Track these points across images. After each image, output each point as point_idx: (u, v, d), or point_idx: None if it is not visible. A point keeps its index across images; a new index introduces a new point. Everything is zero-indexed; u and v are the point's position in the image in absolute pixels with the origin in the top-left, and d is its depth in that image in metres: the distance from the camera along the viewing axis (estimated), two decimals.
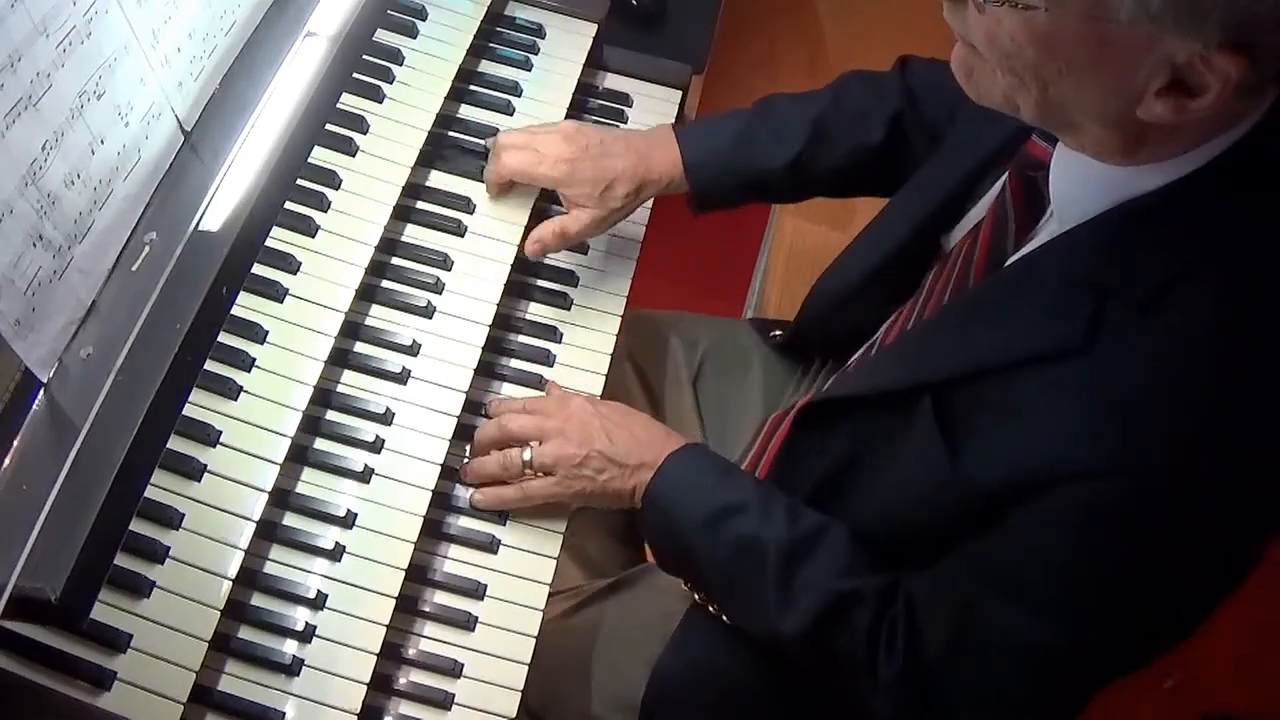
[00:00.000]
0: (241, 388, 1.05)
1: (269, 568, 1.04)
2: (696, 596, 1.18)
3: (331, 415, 1.12)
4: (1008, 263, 1.00)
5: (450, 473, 1.14)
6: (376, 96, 1.25)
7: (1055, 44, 0.79)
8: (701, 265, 2.28)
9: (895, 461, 1.00)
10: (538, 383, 1.24)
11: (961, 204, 1.12)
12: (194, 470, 1.00)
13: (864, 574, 1.04)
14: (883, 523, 1.04)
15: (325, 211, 1.16)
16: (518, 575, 1.12)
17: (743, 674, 1.16)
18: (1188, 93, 0.77)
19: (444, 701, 1.05)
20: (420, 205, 1.26)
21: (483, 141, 1.29)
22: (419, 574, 1.10)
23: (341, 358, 1.14)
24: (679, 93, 1.49)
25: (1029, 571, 0.90)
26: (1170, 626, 0.92)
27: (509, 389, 1.24)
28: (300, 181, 1.16)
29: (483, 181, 1.27)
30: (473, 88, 1.36)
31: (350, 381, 1.14)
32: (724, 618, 1.16)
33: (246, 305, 1.09)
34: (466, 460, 1.17)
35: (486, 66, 1.38)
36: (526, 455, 1.13)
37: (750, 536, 1.07)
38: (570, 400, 1.18)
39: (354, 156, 1.20)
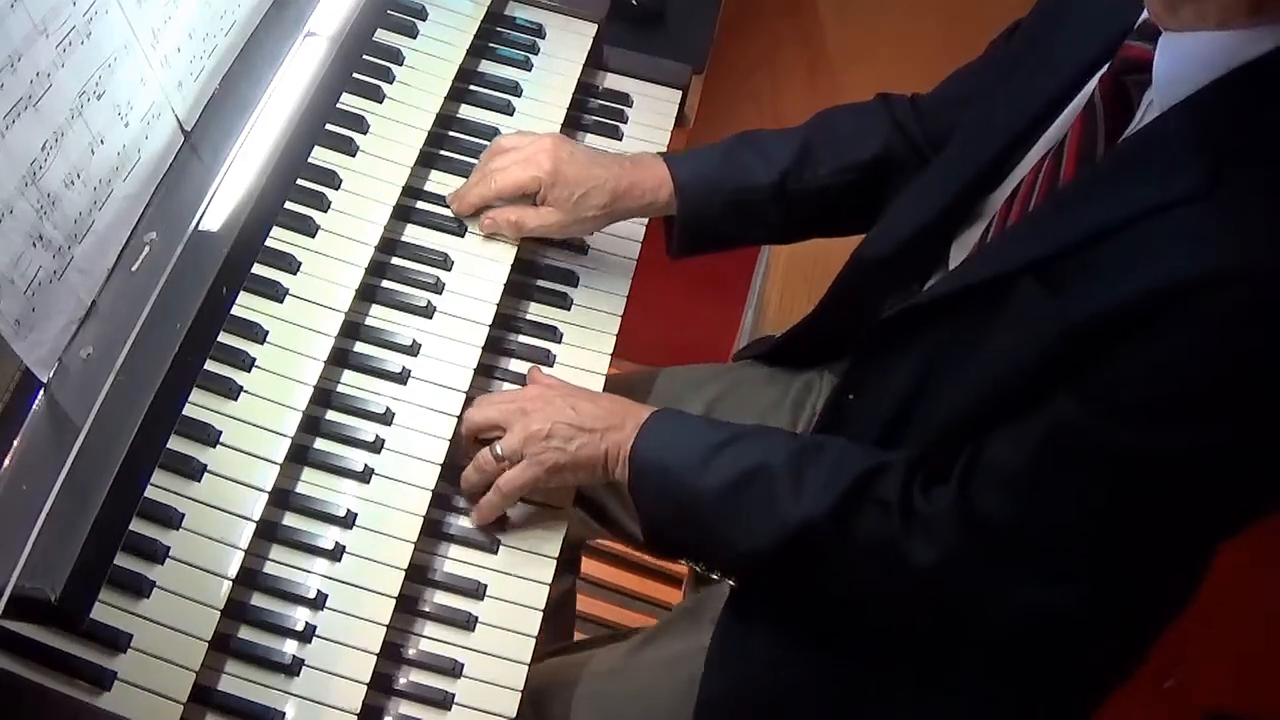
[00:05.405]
0: (241, 388, 1.05)
1: (269, 568, 1.04)
2: (699, 568, 1.16)
3: (331, 415, 1.12)
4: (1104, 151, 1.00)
5: (450, 472, 1.14)
6: (376, 96, 1.25)
7: None
8: (700, 266, 2.26)
9: (991, 344, 1.00)
10: None
11: (1002, 165, 1.12)
12: (194, 470, 1.00)
13: (879, 456, 1.05)
14: (968, 413, 1.03)
15: (325, 211, 1.16)
16: (518, 575, 1.12)
17: (787, 671, 1.16)
18: None
19: (444, 701, 1.05)
20: (420, 205, 1.26)
21: (484, 142, 1.30)
22: (419, 574, 1.10)
23: (341, 358, 1.14)
24: (679, 93, 1.50)
25: (1142, 386, 0.90)
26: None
27: (509, 389, 1.23)
28: (300, 181, 1.16)
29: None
30: (473, 88, 1.36)
31: (350, 381, 1.14)
32: (729, 582, 1.14)
33: (246, 305, 1.09)
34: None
35: (486, 66, 1.39)
36: (496, 449, 1.13)
37: (751, 459, 1.08)
38: (528, 387, 1.19)
39: (354, 156, 1.20)
